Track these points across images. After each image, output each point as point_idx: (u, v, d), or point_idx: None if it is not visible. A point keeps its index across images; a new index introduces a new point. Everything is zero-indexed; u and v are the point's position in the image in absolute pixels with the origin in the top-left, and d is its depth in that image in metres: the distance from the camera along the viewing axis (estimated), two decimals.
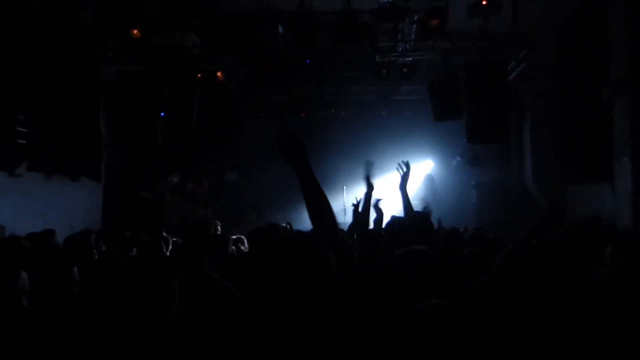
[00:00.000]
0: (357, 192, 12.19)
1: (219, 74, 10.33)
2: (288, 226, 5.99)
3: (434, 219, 4.01)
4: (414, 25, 9.03)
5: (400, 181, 4.03)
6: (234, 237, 6.15)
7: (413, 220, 3.46)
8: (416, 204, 11.39)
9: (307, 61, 10.47)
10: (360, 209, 4.17)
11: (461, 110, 9.67)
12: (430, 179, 13.10)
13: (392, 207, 5.62)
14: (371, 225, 4.26)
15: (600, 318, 1.73)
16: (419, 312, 1.74)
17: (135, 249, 5.28)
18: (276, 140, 2.03)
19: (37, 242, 4.10)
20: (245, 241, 5.88)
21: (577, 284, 1.92)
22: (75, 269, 3.37)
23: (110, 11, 8.64)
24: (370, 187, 4.07)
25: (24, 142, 7.74)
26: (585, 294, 1.82)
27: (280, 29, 8.41)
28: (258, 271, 1.72)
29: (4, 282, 2.35)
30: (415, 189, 13.03)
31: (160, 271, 2.10)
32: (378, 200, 4.62)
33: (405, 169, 4.03)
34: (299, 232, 4.27)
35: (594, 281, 1.86)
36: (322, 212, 2.08)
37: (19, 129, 7.63)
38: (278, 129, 2.06)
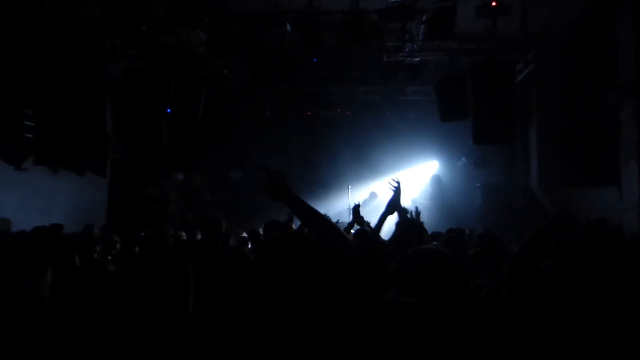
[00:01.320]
0: (360, 192, 12.24)
1: (225, 71, 10.33)
2: (288, 216, 5.95)
3: (436, 221, 3.99)
4: (422, 26, 9.00)
5: (393, 198, 3.92)
6: (242, 235, 6.16)
7: (404, 230, 3.44)
8: (422, 205, 11.34)
9: (315, 60, 10.44)
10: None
11: (467, 111, 9.65)
12: (437, 180, 13.05)
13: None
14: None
15: (603, 318, 1.72)
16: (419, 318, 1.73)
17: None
18: (263, 188, 2.03)
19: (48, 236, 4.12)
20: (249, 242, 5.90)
21: (581, 285, 1.91)
22: (77, 259, 3.39)
23: (116, 8, 8.65)
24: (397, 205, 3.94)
25: (31, 135, 7.78)
26: (589, 295, 1.81)
27: (289, 28, 8.38)
28: (258, 271, 1.71)
29: (33, 275, 2.34)
30: (422, 189, 13.02)
31: (178, 267, 2.15)
32: (357, 206, 4.68)
33: (397, 186, 3.94)
34: (300, 232, 4.26)
35: (598, 282, 1.85)
36: (325, 231, 2.09)
37: (26, 122, 7.68)
38: (261, 178, 2.05)
